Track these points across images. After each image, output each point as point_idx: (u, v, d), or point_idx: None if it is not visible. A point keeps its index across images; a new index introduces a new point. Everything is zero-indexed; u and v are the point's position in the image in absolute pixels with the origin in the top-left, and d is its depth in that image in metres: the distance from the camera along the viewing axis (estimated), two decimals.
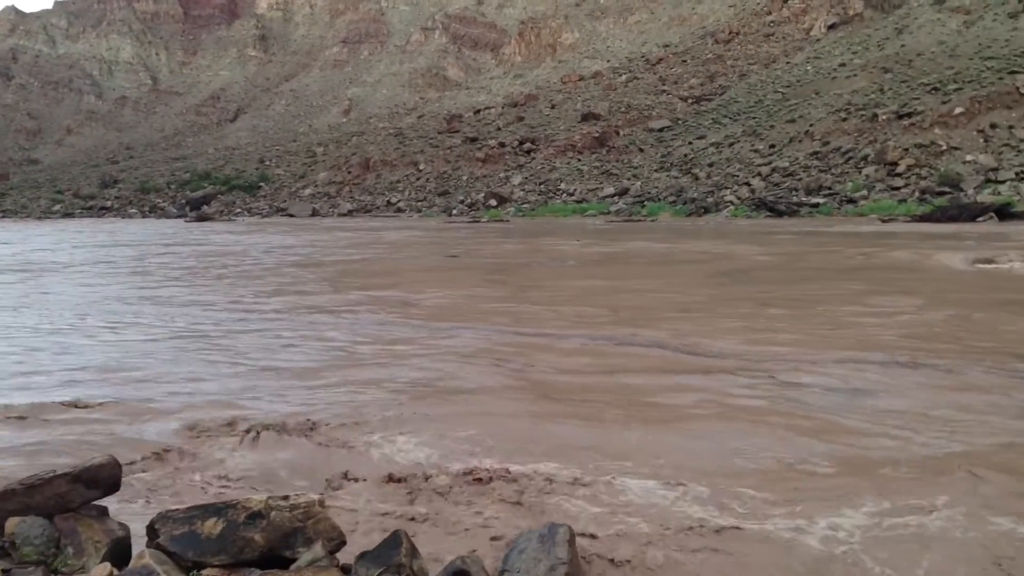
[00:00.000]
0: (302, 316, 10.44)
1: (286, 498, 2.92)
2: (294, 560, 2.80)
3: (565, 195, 74.17)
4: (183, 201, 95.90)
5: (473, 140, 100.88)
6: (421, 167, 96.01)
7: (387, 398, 5.89)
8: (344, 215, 78.71)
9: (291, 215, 79.29)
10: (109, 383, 6.46)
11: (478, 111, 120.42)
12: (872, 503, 3.71)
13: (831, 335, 8.33)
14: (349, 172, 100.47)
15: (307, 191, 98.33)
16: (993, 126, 56.09)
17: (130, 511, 3.58)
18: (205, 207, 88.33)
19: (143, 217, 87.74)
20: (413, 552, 2.76)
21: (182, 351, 8.01)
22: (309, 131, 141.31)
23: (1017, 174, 47.79)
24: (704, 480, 4.04)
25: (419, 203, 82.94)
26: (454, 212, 72.42)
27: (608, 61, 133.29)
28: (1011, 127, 55.51)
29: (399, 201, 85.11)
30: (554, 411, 5.52)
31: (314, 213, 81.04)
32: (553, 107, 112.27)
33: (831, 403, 5.65)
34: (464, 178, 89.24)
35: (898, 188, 51.23)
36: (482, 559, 2.90)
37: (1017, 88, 58.42)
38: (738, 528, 3.45)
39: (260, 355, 7.81)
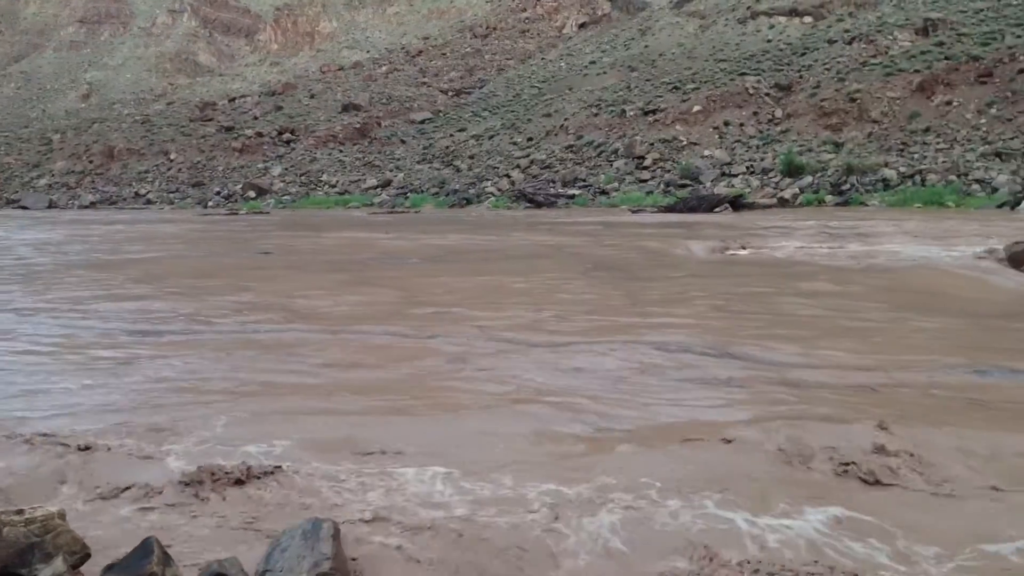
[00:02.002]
0: (209, 325, 8.30)
1: (20, 512, 2.71)
2: None
3: (327, 187, 73.01)
4: None
5: (229, 129, 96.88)
6: (172, 156, 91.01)
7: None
8: (86, 207, 73.00)
9: (25, 207, 72.33)
10: None
11: (233, 99, 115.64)
12: None
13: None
14: (91, 161, 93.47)
15: (42, 181, 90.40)
16: (726, 123, 61.05)
17: None
18: None
19: None
20: (166, 560, 2.62)
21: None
22: (43, 116, 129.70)
23: (747, 168, 52.09)
24: None
25: (171, 194, 78.72)
26: (210, 204, 69.42)
27: (368, 52, 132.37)
28: (742, 124, 60.64)
29: (149, 192, 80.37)
30: None
31: (51, 205, 74.60)
32: (313, 97, 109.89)
33: None
34: (220, 168, 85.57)
35: (646, 180, 54.51)
36: (242, 560, 2.80)
37: (746, 88, 63.86)
38: None
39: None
